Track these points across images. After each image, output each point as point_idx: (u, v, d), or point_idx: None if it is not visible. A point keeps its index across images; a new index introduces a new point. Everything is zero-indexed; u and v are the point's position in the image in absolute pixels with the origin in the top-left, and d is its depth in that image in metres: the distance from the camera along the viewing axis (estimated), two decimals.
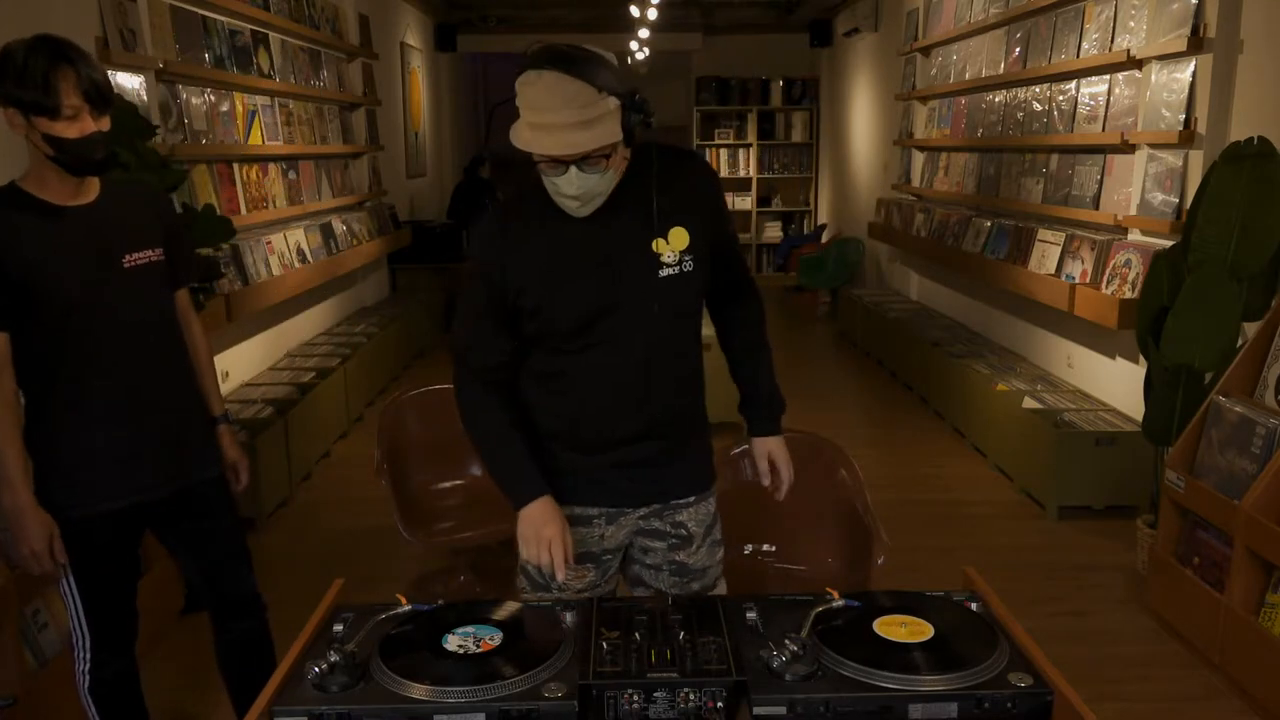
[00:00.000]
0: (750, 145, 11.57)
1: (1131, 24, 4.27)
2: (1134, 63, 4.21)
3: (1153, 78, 4.09)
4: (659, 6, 8.46)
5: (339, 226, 6.23)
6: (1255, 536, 2.89)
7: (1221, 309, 3.36)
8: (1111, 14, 4.44)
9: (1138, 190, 4.20)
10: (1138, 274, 4.05)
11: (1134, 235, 4.28)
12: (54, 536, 2.06)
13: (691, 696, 1.44)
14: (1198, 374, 3.48)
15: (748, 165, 11.63)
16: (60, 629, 2.80)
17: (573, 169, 1.63)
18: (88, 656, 2.18)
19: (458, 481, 3.62)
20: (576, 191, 1.66)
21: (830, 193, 11.00)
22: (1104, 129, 4.47)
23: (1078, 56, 4.72)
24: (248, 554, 2.40)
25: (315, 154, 6.07)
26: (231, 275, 4.47)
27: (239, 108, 5.00)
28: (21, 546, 2.04)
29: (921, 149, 7.20)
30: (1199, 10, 3.79)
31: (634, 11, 8.47)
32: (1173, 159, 3.97)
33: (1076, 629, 3.35)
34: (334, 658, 1.45)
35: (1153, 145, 4.09)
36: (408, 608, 1.65)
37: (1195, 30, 3.79)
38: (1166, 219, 3.93)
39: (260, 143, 5.22)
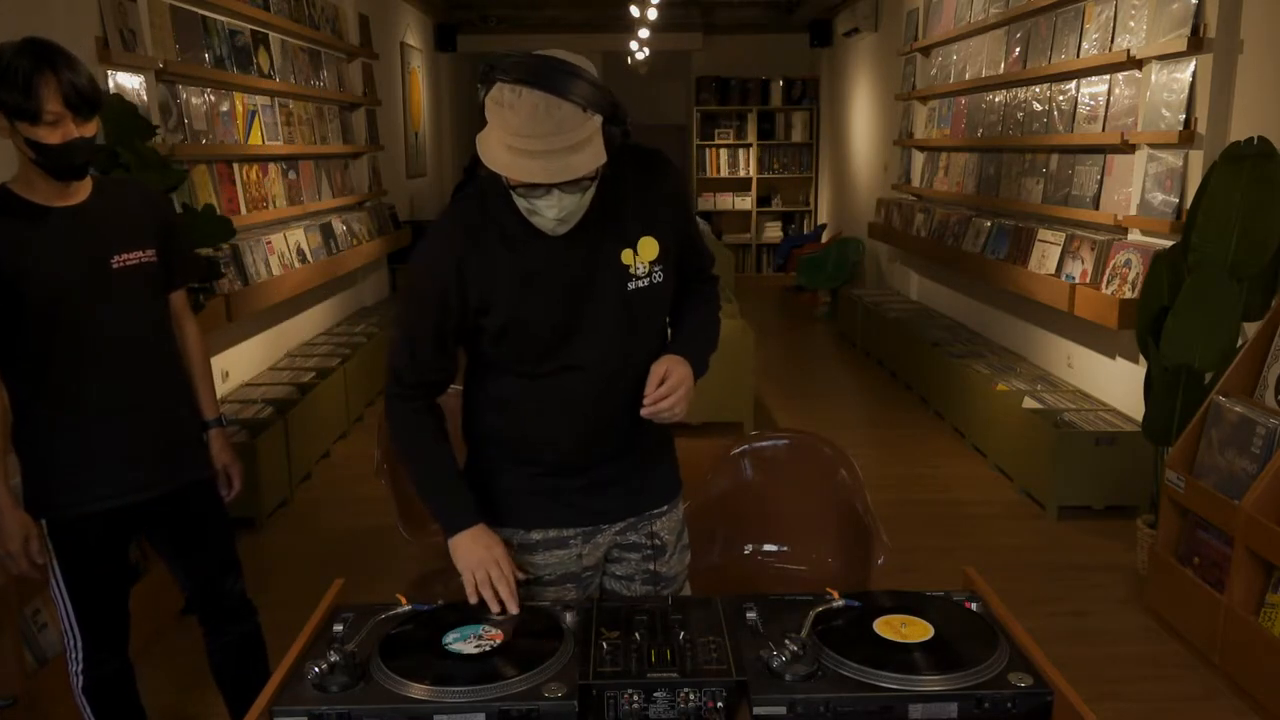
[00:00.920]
0: (750, 145, 11.57)
1: (1131, 24, 4.27)
2: (1134, 63, 4.21)
3: (1153, 78, 4.09)
4: (659, 6, 8.46)
5: (339, 226, 6.23)
6: (1255, 536, 2.89)
7: (1221, 309, 3.36)
8: (1111, 14, 4.44)
9: (1138, 190, 4.20)
10: (1138, 274, 4.05)
11: (1134, 235, 4.28)
12: (31, 537, 2.05)
13: (691, 696, 1.44)
14: (1198, 374, 3.48)
15: (748, 165, 11.63)
16: (59, 629, 2.80)
17: (556, 191, 1.53)
18: (80, 657, 2.18)
19: None
20: (559, 214, 1.57)
21: (830, 193, 11.01)
22: (1104, 129, 4.47)
23: (1078, 56, 4.72)
24: (237, 559, 2.39)
25: (315, 154, 6.07)
26: (231, 275, 4.48)
27: (239, 108, 5.00)
28: None
29: (921, 149, 7.20)
30: (1199, 10, 3.79)
31: (634, 11, 8.47)
32: (1173, 159, 3.97)
33: (1076, 629, 3.35)
34: (334, 658, 1.45)
35: (1153, 145, 4.10)
36: (408, 608, 1.65)
37: (1195, 30, 3.79)
38: (1166, 219, 3.93)
39: (260, 143, 5.22)
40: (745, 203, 11.77)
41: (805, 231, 11.65)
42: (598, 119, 1.50)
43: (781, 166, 11.66)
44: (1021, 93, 5.42)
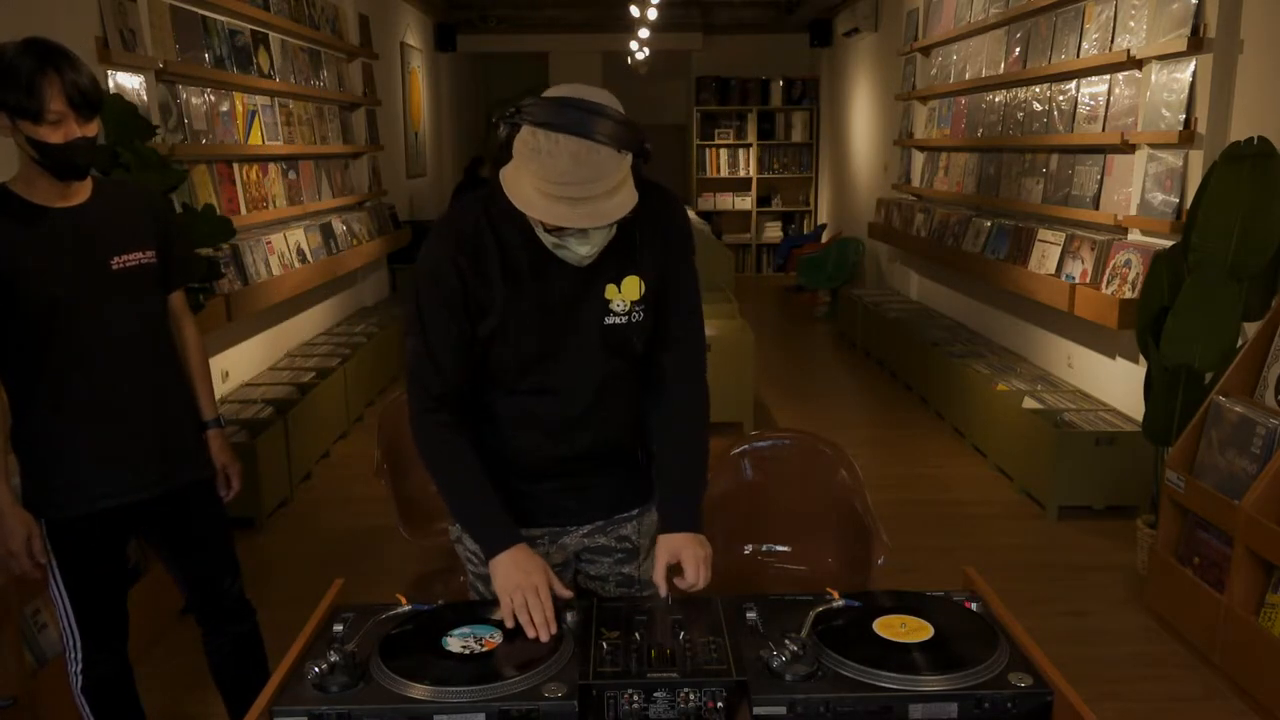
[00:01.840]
0: (750, 145, 11.57)
1: (1131, 24, 4.27)
2: (1134, 63, 4.21)
3: (1153, 78, 4.09)
4: (659, 6, 8.46)
5: (339, 226, 6.23)
6: (1255, 536, 2.89)
7: (1221, 309, 3.36)
8: (1111, 14, 4.44)
9: (1138, 190, 4.20)
10: (1138, 274, 4.05)
11: (1134, 235, 4.28)
12: (33, 536, 2.06)
13: (691, 696, 1.44)
14: (1198, 374, 3.48)
15: (748, 165, 11.63)
16: (59, 629, 2.80)
17: (590, 230, 1.53)
18: (79, 657, 2.18)
19: None
20: (591, 251, 1.58)
21: (830, 193, 11.01)
22: (1104, 129, 4.47)
23: (1078, 56, 4.72)
24: (235, 559, 2.39)
25: (315, 154, 6.07)
26: (231, 275, 4.47)
27: (239, 108, 5.00)
28: None
29: (921, 149, 7.20)
30: (1199, 10, 3.79)
31: (634, 11, 8.48)
32: (1173, 159, 3.97)
33: (1076, 629, 3.35)
34: (334, 658, 1.45)
35: (1153, 145, 4.10)
36: (408, 608, 1.65)
37: (1195, 30, 3.79)
38: (1166, 219, 3.93)
39: (260, 143, 5.22)
40: (745, 203, 11.77)
41: (805, 231, 11.65)
42: (629, 157, 1.49)
43: (781, 166, 11.66)
44: (1021, 93, 5.42)
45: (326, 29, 6.50)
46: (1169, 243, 3.79)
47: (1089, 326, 4.69)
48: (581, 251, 1.57)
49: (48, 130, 1.92)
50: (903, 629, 1.56)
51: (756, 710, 1.41)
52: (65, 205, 2.05)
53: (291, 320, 5.89)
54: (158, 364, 2.21)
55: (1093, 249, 4.47)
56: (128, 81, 3.92)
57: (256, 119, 5.22)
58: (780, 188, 11.79)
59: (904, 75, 7.58)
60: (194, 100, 4.50)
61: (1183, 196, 3.89)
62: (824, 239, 10.60)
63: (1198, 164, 3.79)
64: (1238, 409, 3.15)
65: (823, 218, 11.36)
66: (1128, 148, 4.26)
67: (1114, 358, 4.63)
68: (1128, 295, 4.07)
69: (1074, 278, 4.56)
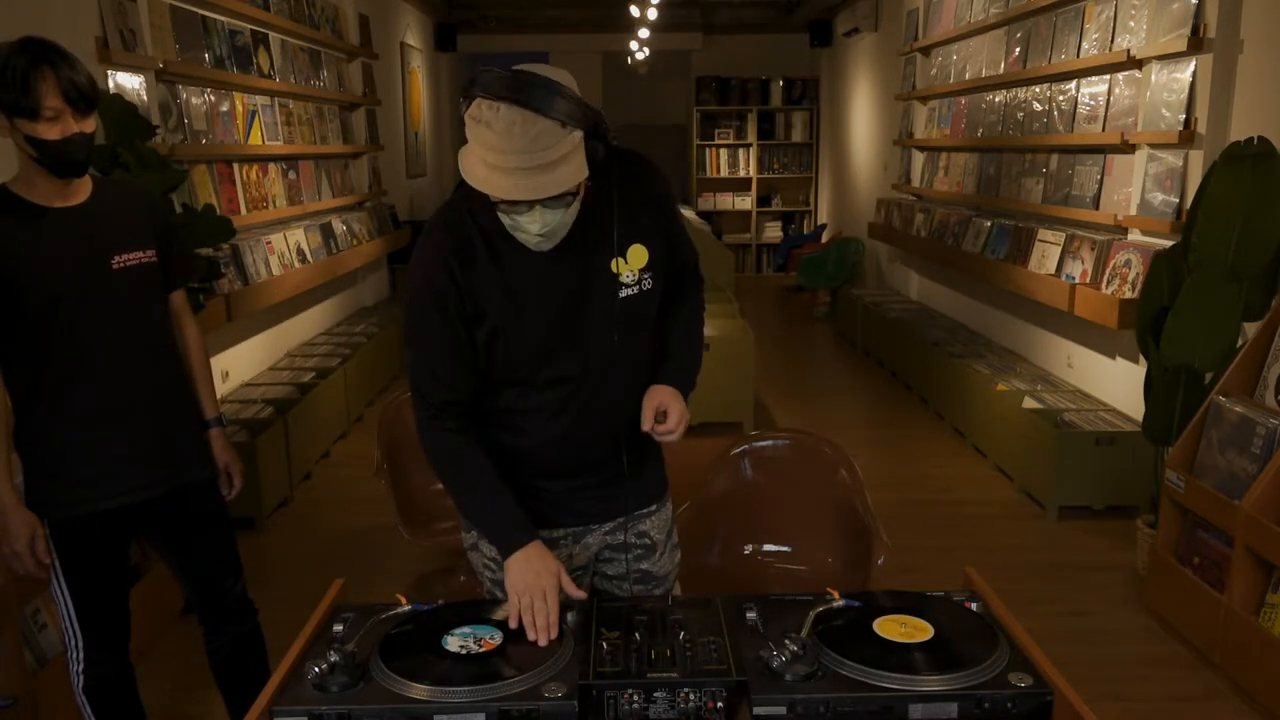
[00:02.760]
0: (750, 145, 11.57)
1: (1131, 24, 4.27)
2: (1134, 63, 4.21)
3: (1153, 78, 4.09)
4: (659, 6, 8.46)
5: (339, 226, 6.23)
6: (1255, 536, 2.89)
7: (1221, 309, 3.36)
8: (1111, 14, 4.44)
9: (1138, 190, 4.20)
10: (1138, 274, 4.05)
11: (1134, 235, 4.28)
12: (37, 536, 2.06)
13: (691, 696, 1.44)
14: (1198, 374, 3.48)
15: (748, 165, 11.63)
16: (60, 629, 2.80)
17: (538, 206, 1.52)
18: (80, 657, 2.18)
19: None
20: (540, 230, 1.55)
21: (830, 193, 11.01)
22: (1104, 129, 4.47)
23: (1078, 56, 4.72)
24: (238, 559, 2.39)
25: (315, 154, 6.07)
26: (231, 275, 4.47)
27: (239, 108, 5.00)
28: (3, 546, 2.04)
29: (921, 149, 7.20)
30: (1199, 10, 3.79)
31: (634, 11, 8.48)
32: (1173, 159, 3.97)
33: (1076, 629, 3.35)
34: (334, 658, 1.46)
35: (1153, 145, 4.10)
36: (408, 608, 1.65)
37: (1195, 30, 3.79)
38: (1166, 219, 3.93)
39: (260, 143, 5.22)
40: (745, 203, 11.77)
41: (805, 231, 11.65)
42: (578, 134, 1.49)
43: (781, 166, 11.66)
44: (1021, 93, 5.42)
45: (326, 29, 6.50)
46: (1169, 243, 3.79)
47: (1089, 326, 4.69)
48: (532, 230, 1.55)
49: (45, 127, 1.93)
50: (903, 629, 1.56)
51: (756, 710, 1.41)
52: (65, 205, 2.05)
53: (291, 320, 5.89)
54: (159, 363, 2.22)
55: (1093, 249, 4.47)
56: (127, 81, 3.92)
57: (256, 119, 5.22)
58: (780, 188, 11.79)
59: (904, 75, 7.58)
60: (194, 100, 4.50)
61: (1183, 196, 3.89)
62: (824, 239, 10.60)
63: (1198, 164, 3.79)
64: (1238, 409, 3.15)
65: (823, 218, 11.36)
66: (1128, 148, 4.26)
67: (1114, 358, 4.63)
68: (1128, 295, 4.07)
69: (1074, 278, 4.56)
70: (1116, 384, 4.58)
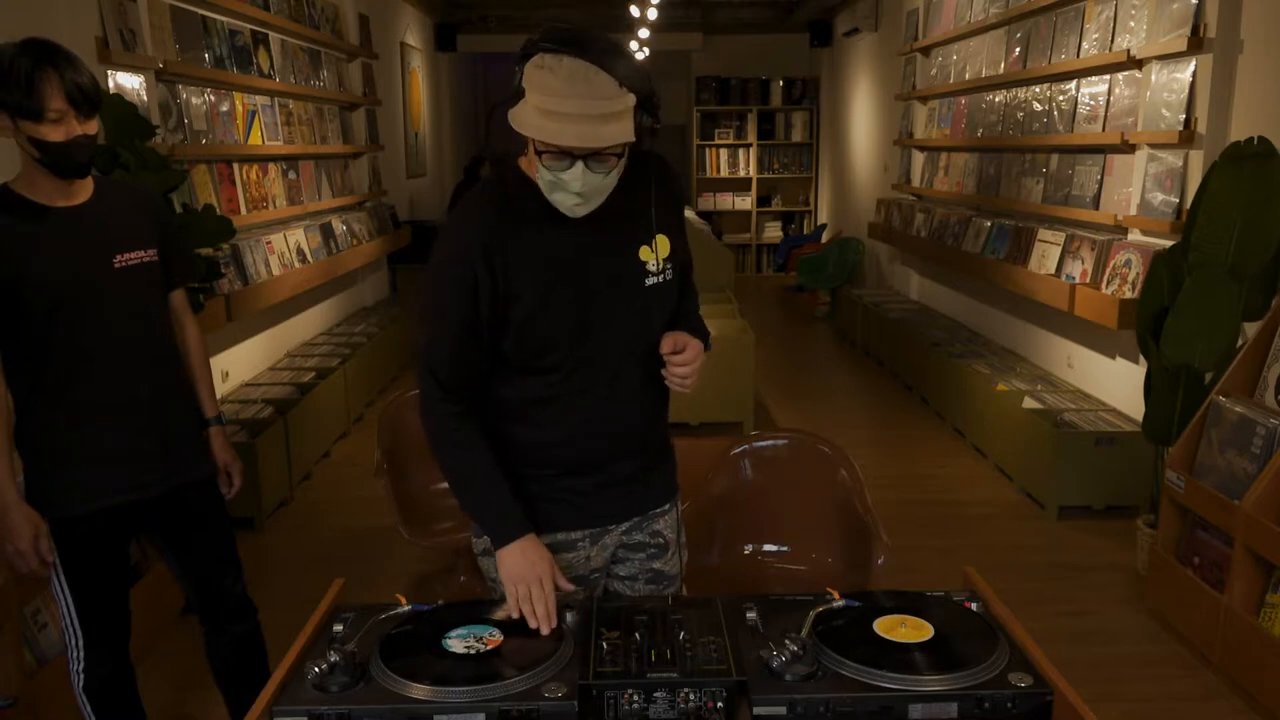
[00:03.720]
0: (750, 145, 11.57)
1: (1131, 24, 4.27)
2: (1134, 63, 4.21)
3: (1153, 78, 4.09)
4: (659, 6, 8.46)
5: (339, 226, 6.23)
6: (1255, 536, 2.89)
7: (1221, 309, 3.36)
8: (1111, 14, 4.44)
9: (1138, 190, 4.20)
10: (1138, 274, 4.05)
11: (1134, 235, 4.28)
12: (40, 535, 2.06)
13: (691, 696, 1.44)
14: (1198, 374, 3.48)
15: (748, 165, 11.63)
16: (60, 629, 2.80)
17: (580, 164, 1.53)
18: (81, 656, 2.18)
19: None
20: (581, 188, 1.56)
21: (830, 193, 11.01)
22: (1104, 129, 4.47)
23: (1078, 56, 4.72)
24: (237, 558, 2.39)
25: (315, 154, 6.07)
26: (231, 275, 4.47)
27: (239, 108, 5.00)
28: (6, 545, 2.04)
29: (921, 149, 7.20)
30: (1199, 10, 3.79)
31: (634, 11, 8.48)
32: (1173, 159, 3.97)
33: (1076, 629, 3.35)
34: (334, 658, 1.45)
35: (1153, 145, 4.10)
36: (408, 608, 1.65)
37: (1195, 30, 3.79)
38: (1166, 219, 3.93)
39: (260, 143, 5.22)
40: (745, 203, 11.77)
41: (805, 231, 11.65)
42: (631, 98, 1.52)
43: (781, 166, 11.66)
44: (1021, 93, 5.42)
45: (326, 29, 6.50)
46: (1169, 243, 3.79)
47: (1089, 326, 4.69)
48: (573, 188, 1.56)
49: (48, 129, 1.93)
50: (903, 629, 1.56)
51: (756, 710, 1.41)
52: (67, 205, 2.06)
53: (291, 320, 5.89)
54: (159, 363, 2.22)
55: (1093, 249, 4.47)
56: (128, 81, 3.93)
57: (256, 119, 5.22)
58: (780, 188, 11.79)
59: (904, 75, 7.58)
60: (194, 100, 4.50)
61: (1183, 196, 3.89)
62: (824, 239, 10.60)
63: (1198, 164, 3.79)
64: (1238, 409, 3.15)
65: (823, 218, 11.36)
66: (1128, 148, 4.26)
67: (1114, 358, 4.63)
68: (1128, 295, 4.07)
69: (1074, 278, 4.56)
70: (1116, 384, 4.58)
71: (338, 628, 1.62)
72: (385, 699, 1.42)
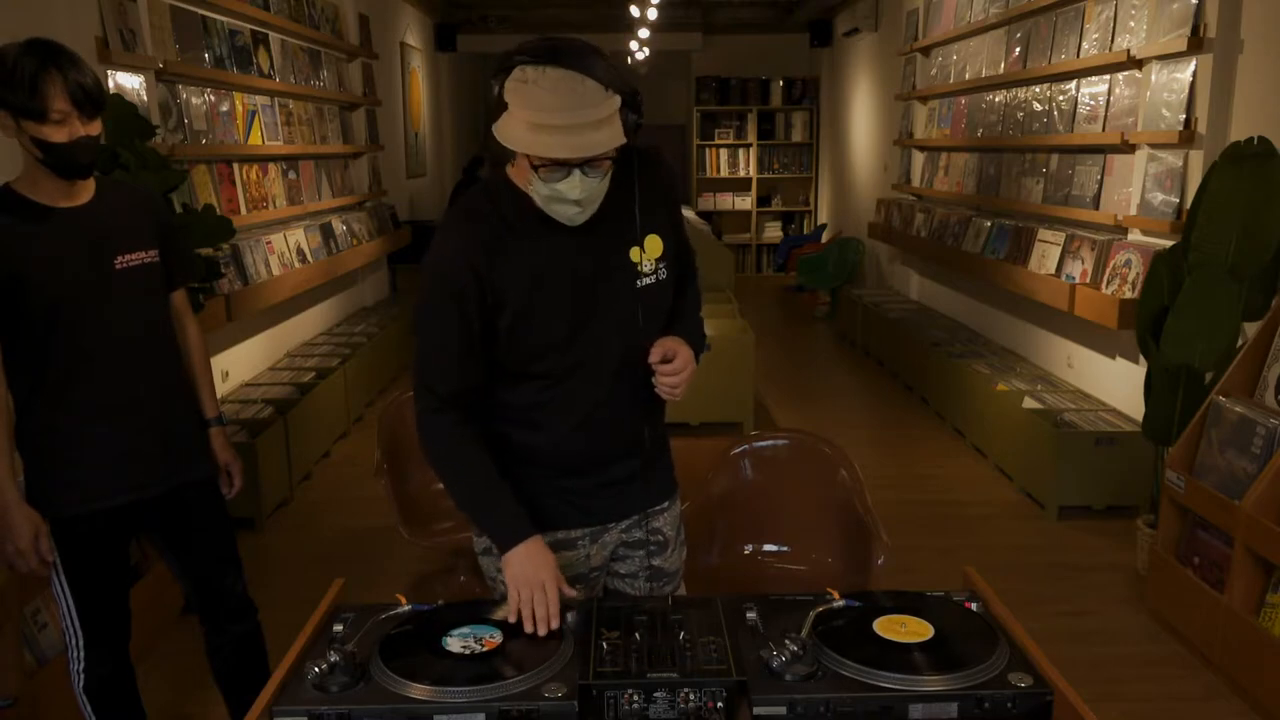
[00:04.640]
0: (750, 145, 11.57)
1: (1131, 24, 4.27)
2: (1134, 63, 4.21)
3: (1153, 78, 4.09)
4: (659, 6, 8.46)
5: (339, 226, 6.23)
6: (1255, 536, 2.89)
7: (1221, 309, 3.36)
8: (1111, 14, 4.44)
9: (1138, 190, 4.20)
10: (1138, 274, 4.05)
11: (1134, 235, 4.28)
12: (41, 534, 2.06)
13: (691, 696, 1.44)
14: (1198, 374, 3.48)
15: (748, 165, 11.63)
16: (60, 628, 2.80)
17: (576, 172, 1.53)
18: (81, 656, 2.18)
19: None
20: (580, 195, 1.56)
21: (830, 193, 11.01)
22: (1104, 129, 4.47)
23: (1078, 56, 4.72)
24: (238, 558, 2.39)
25: (315, 154, 6.07)
26: (231, 275, 4.47)
27: (239, 108, 5.00)
28: (6, 544, 2.04)
29: (921, 149, 7.20)
30: (1199, 10, 3.79)
31: (634, 11, 8.48)
32: (1173, 159, 3.97)
33: (1076, 629, 3.35)
34: (334, 658, 1.46)
35: (1153, 145, 4.10)
36: (408, 608, 1.65)
37: (1195, 30, 3.79)
38: (1166, 219, 3.93)
39: (260, 143, 5.22)
40: (745, 203, 11.76)
41: (805, 231, 11.65)
42: (617, 100, 1.52)
43: (781, 166, 11.66)
44: (1021, 93, 5.42)
45: (326, 29, 6.50)
46: (1169, 243, 3.79)
47: (1089, 326, 4.69)
48: (571, 197, 1.56)
49: (52, 130, 1.93)
50: (903, 629, 1.56)
51: (756, 710, 1.41)
52: (69, 205, 2.06)
53: (291, 320, 5.89)
54: (160, 363, 2.22)
55: (1093, 249, 4.47)
56: (128, 81, 3.92)
57: (256, 119, 5.22)
58: (780, 188, 11.79)
59: (904, 75, 7.58)
60: (194, 100, 4.50)
61: (1183, 196, 3.89)
62: (824, 239, 10.60)
63: (1198, 164, 3.79)
64: (1238, 409, 3.15)
65: (823, 218, 11.36)
66: (1128, 148, 4.26)
67: (1114, 358, 4.63)
68: (1128, 295, 4.07)
69: (1074, 278, 4.56)
70: (1116, 384, 4.58)
71: (338, 628, 1.63)
72: (385, 699, 1.42)
